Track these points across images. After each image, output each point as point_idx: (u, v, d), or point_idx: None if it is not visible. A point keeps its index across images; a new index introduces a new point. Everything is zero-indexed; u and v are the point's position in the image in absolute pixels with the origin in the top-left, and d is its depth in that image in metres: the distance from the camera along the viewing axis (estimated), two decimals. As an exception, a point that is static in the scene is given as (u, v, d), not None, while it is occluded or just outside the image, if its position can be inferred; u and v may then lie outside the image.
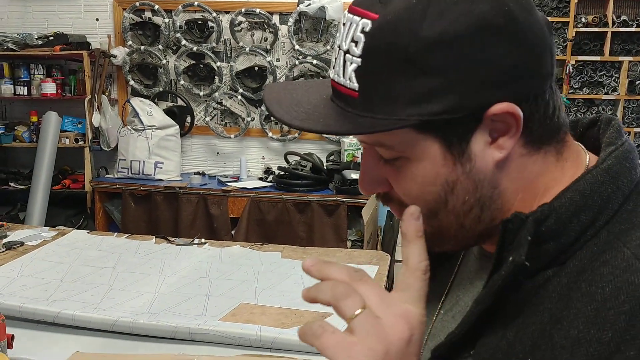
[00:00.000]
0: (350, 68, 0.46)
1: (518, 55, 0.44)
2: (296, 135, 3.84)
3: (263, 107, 3.82)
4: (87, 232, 2.13)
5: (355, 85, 0.46)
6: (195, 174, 3.85)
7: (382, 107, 0.45)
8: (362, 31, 0.45)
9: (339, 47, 0.48)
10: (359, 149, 3.64)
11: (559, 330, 0.42)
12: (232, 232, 3.50)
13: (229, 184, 3.65)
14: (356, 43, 0.45)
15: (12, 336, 1.14)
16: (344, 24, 0.48)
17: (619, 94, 4.03)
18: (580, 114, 4.01)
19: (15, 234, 2.05)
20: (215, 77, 3.84)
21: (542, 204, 0.46)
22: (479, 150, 0.46)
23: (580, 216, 0.45)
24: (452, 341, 0.48)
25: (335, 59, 0.48)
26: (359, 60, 0.45)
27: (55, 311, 1.31)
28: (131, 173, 3.72)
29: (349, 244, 3.41)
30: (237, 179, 3.80)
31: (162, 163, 3.72)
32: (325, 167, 3.62)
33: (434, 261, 0.61)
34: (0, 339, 1.11)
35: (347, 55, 0.46)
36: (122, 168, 3.76)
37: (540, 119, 0.47)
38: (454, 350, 0.48)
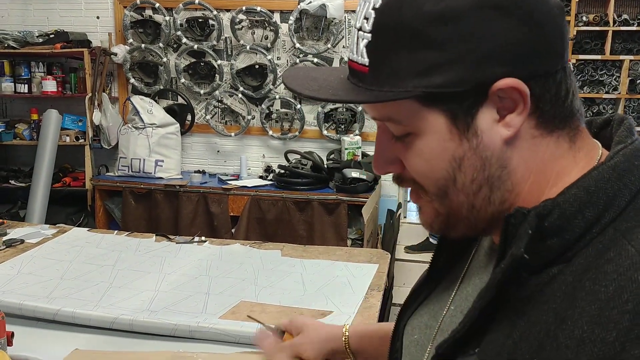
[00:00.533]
0: (362, 44, 0.48)
1: (522, 33, 0.45)
2: (296, 133, 3.84)
3: (264, 105, 3.82)
4: (88, 230, 2.13)
5: (366, 61, 0.48)
6: (195, 172, 3.85)
7: (389, 80, 0.47)
8: (373, 8, 0.47)
9: (354, 26, 0.50)
10: (359, 147, 3.64)
11: (564, 330, 0.41)
12: (232, 230, 3.50)
13: (229, 182, 3.65)
14: (367, 20, 0.48)
15: (12, 333, 1.14)
16: (360, 4, 0.50)
17: (619, 93, 4.03)
18: (581, 113, 4.00)
19: (16, 232, 2.05)
20: (216, 75, 3.84)
21: (545, 199, 0.46)
22: (485, 127, 0.47)
23: (584, 212, 0.45)
24: (456, 338, 0.48)
25: (352, 38, 0.51)
26: (369, 35, 0.48)
27: (55, 309, 1.31)
28: (131, 171, 3.72)
29: (349, 242, 3.41)
30: (238, 177, 3.80)
31: (162, 161, 3.72)
32: (325, 166, 3.62)
33: (449, 255, 0.61)
34: (0, 336, 1.11)
35: (360, 32, 0.49)
36: (122, 166, 3.76)
37: (552, 100, 0.47)
38: (458, 347, 0.48)
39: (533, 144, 0.48)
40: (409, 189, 0.54)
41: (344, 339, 0.85)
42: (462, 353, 0.48)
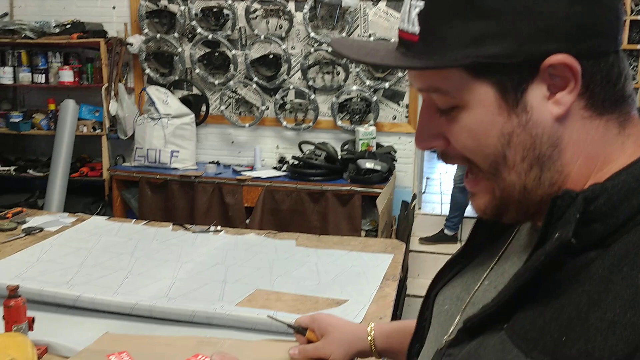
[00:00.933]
0: (414, 12, 0.49)
1: (579, 10, 0.45)
2: (310, 124, 3.83)
3: (278, 96, 3.81)
4: (106, 219, 2.15)
5: (417, 29, 0.48)
6: (210, 163, 3.87)
7: (440, 49, 0.47)
8: None
9: None
10: (374, 137, 3.62)
11: (596, 312, 0.42)
12: (247, 221, 3.52)
13: (243, 173, 3.66)
14: None
15: (33, 319, 1.16)
16: None
17: (637, 82, 3.95)
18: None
19: (35, 220, 2.08)
20: (230, 65, 3.84)
21: (593, 183, 0.46)
22: (536, 103, 0.47)
23: (631, 200, 0.45)
24: (486, 313, 0.48)
25: (403, 7, 0.52)
26: (422, 3, 0.48)
27: (75, 294, 1.33)
28: (148, 161, 3.74)
29: (362, 233, 3.41)
30: (252, 168, 3.81)
31: (177, 152, 3.74)
32: (339, 157, 3.61)
33: (489, 231, 0.62)
34: (21, 321, 1.13)
35: (412, 0, 0.49)
36: (138, 156, 3.79)
37: (602, 82, 0.47)
38: (488, 322, 0.48)
39: (582, 125, 0.47)
40: (466, 177, 0.54)
41: (369, 339, 0.85)
42: (490, 328, 0.48)
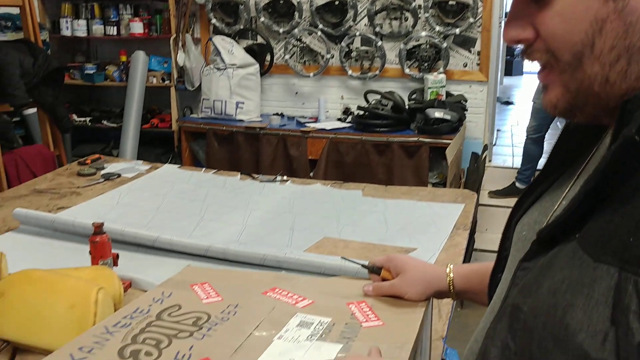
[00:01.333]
0: None
1: None
2: (377, 72, 3.73)
3: (343, 43, 3.72)
4: (178, 167, 2.22)
5: None
6: (274, 114, 3.88)
7: None
8: None
9: None
10: (444, 86, 3.48)
11: None
12: (311, 174, 3.53)
13: (307, 124, 3.65)
14: None
15: (117, 255, 1.22)
16: None
17: None
18: None
19: (112, 167, 2.17)
20: (295, 12, 3.77)
21: None
22: None
23: None
24: (558, 222, 0.48)
25: None
26: None
27: (154, 235, 1.39)
28: (214, 113, 3.80)
29: (429, 187, 3.34)
30: (316, 119, 3.78)
31: (242, 103, 3.77)
32: (407, 106, 3.50)
33: (567, 154, 0.60)
34: (107, 257, 1.19)
35: None
36: (205, 108, 3.85)
37: None
38: (560, 232, 0.48)
39: None
40: (538, 69, 0.51)
41: (448, 280, 0.83)
42: (563, 239, 0.47)
